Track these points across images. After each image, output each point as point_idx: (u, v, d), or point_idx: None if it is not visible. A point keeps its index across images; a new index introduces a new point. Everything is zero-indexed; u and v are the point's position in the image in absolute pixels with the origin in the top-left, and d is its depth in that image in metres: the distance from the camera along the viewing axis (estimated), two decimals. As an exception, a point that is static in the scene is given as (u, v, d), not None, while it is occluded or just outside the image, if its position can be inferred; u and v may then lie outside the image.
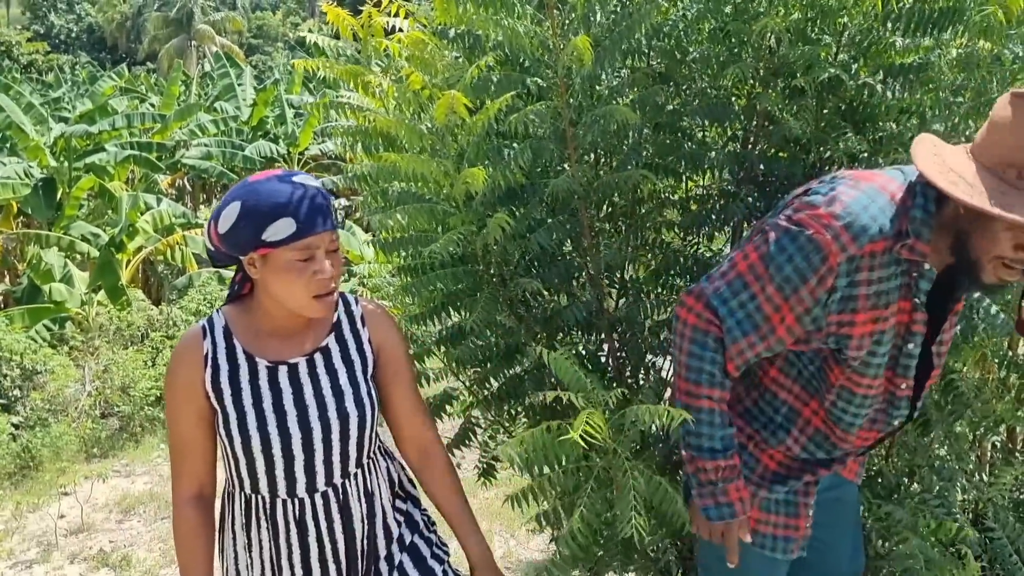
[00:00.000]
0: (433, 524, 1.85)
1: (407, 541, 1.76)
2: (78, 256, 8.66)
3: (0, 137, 9.77)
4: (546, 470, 1.68)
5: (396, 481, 1.80)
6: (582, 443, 1.47)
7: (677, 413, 1.48)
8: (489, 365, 2.19)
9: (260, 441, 1.58)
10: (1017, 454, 2.55)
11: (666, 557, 1.98)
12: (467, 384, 2.27)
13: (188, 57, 29.42)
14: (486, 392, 2.22)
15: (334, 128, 2.08)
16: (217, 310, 1.69)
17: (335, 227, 1.59)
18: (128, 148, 10.36)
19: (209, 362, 1.61)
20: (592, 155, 2.23)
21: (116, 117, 10.41)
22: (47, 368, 6.64)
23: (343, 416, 1.62)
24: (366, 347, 1.70)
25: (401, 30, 1.94)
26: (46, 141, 10.04)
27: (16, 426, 6.12)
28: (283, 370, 1.63)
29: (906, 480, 2.10)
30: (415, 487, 1.85)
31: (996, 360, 2.33)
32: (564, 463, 1.59)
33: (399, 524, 1.77)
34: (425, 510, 1.85)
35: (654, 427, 1.76)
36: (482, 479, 2.41)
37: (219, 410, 1.61)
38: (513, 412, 2.27)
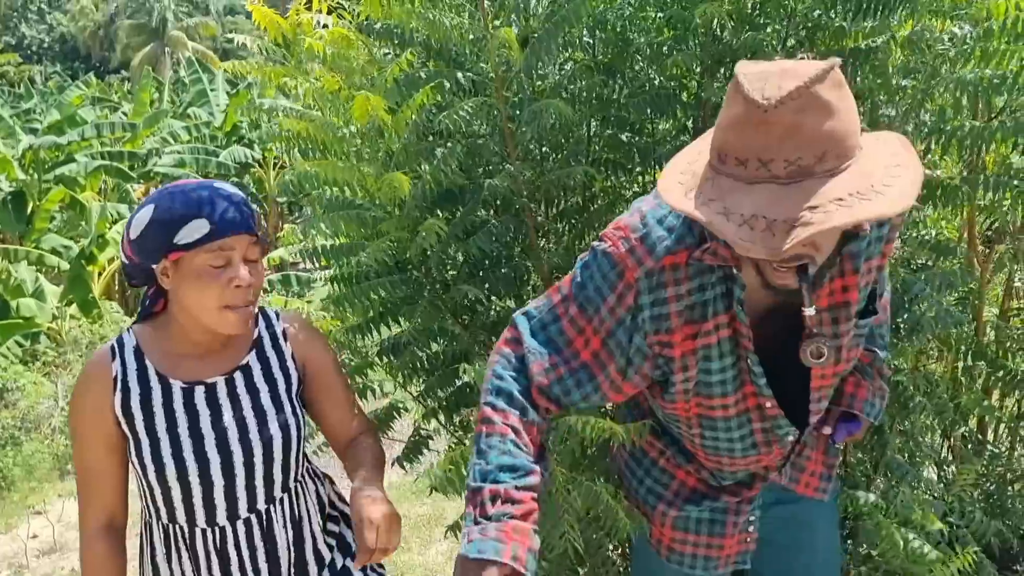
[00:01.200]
0: None
1: (339, 566, 1.68)
2: (50, 269, 8.52)
3: (-35, 151, 9.59)
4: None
5: (327, 503, 1.72)
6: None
7: (608, 426, 1.39)
8: (435, 375, 2.10)
9: (175, 468, 1.50)
10: (989, 445, 2.49)
11: (615, 568, 1.89)
12: (414, 395, 2.18)
13: (162, 64, 29.16)
14: (434, 403, 2.13)
15: (267, 133, 1.99)
16: (127, 329, 1.60)
17: (254, 232, 1.50)
18: (98, 158, 10.20)
19: (119, 385, 1.52)
20: (539, 152, 2.15)
21: (85, 127, 10.25)
22: (17, 386, 6.52)
23: (266, 438, 1.54)
24: (289, 364, 1.62)
25: (326, 27, 1.85)
26: (14, 154, 9.87)
27: (-10, 444, 6.00)
28: (200, 391, 1.54)
29: (865, 480, 2.02)
30: (347, 504, 1.77)
31: (961, 350, 2.28)
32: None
33: (331, 548, 1.69)
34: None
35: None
36: (399, 464, 2.23)
37: (131, 436, 1.52)
38: (465, 422, 2.18)
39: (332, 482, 1.78)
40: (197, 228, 1.44)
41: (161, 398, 1.52)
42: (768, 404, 1.45)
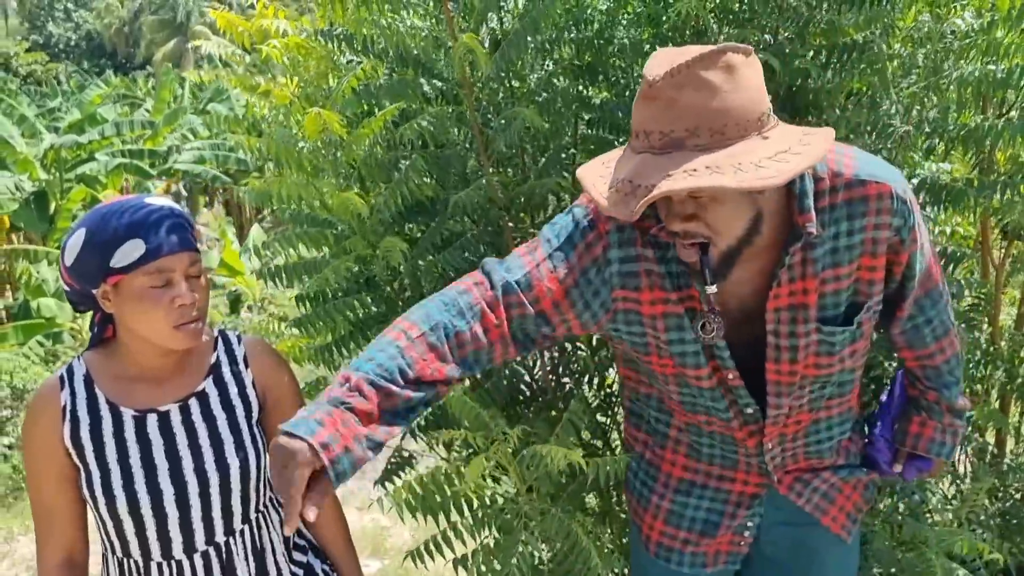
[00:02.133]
0: (334, 574, 1.69)
1: None
2: (71, 269, 8.59)
3: (-11, 152, 9.71)
4: (454, 515, 1.51)
5: (292, 533, 1.64)
6: (474, 490, 1.30)
7: (577, 458, 1.29)
8: (413, 393, 2.00)
9: (126, 501, 1.44)
10: (1006, 460, 2.35)
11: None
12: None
13: (186, 59, 29.32)
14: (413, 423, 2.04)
15: (236, 144, 1.91)
16: (78, 357, 1.54)
17: (193, 249, 1.44)
18: (119, 156, 10.27)
19: (67, 415, 1.45)
20: (520, 160, 2.05)
21: (105, 126, 10.32)
22: (36, 387, 6.57)
23: (223, 467, 1.48)
24: (249, 390, 1.55)
25: (286, 32, 1.76)
26: (36, 154, 9.97)
27: (8, 447, 6.06)
28: (152, 419, 1.48)
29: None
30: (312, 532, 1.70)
31: (975, 361, 2.14)
32: (466, 515, 1.42)
33: None
34: (327, 560, 1.69)
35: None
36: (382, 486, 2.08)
37: (81, 468, 1.46)
38: (448, 442, 2.09)
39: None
40: (132, 250, 1.38)
41: (112, 427, 1.46)
42: (731, 376, 1.45)
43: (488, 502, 1.51)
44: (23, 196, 9.11)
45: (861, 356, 1.50)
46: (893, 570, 1.91)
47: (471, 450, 2.03)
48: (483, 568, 1.43)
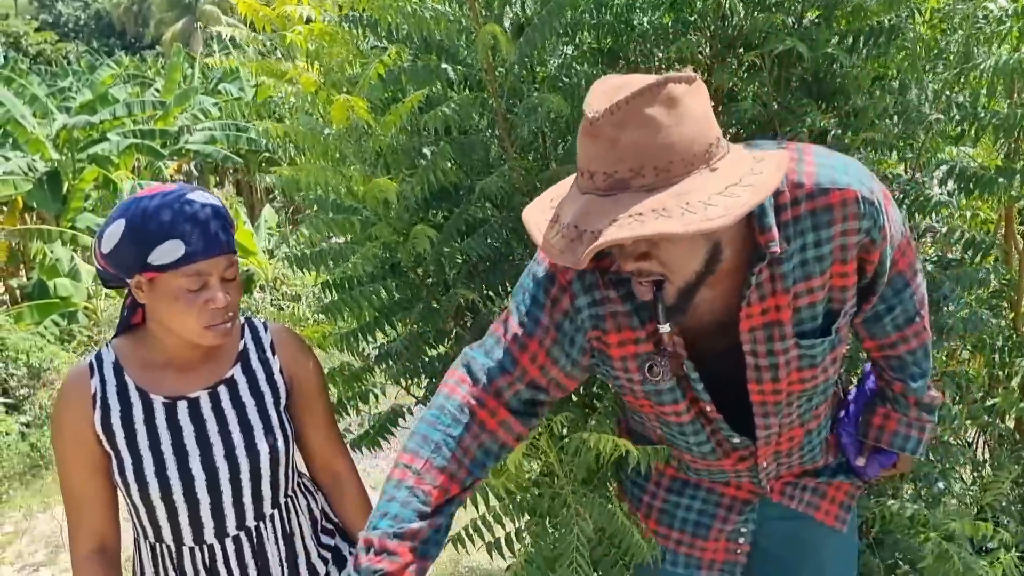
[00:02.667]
0: None
1: None
2: (85, 249, 8.63)
3: (1, 132, 9.72)
4: (492, 501, 1.52)
5: (319, 517, 1.67)
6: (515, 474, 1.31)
7: (623, 444, 1.30)
8: (438, 378, 2.01)
9: (159, 487, 1.45)
10: (1025, 445, 2.35)
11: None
12: (417, 399, 2.11)
13: (195, 39, 29.17)
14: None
15: (261, 131, 1.90)
16: (107, 343, 1.55)
17: (232, 251, 1.44)
18: (130, 136, 10.26)
19: (98, 402, 1.47)
20: (542, 145, 2.04)
21: (116, 106, 10.30)
22: (54, 366, 6.62)
23: (253, 453, 1.49)
24: (277, 377, 1.56)
25: (310, 20, 1.75)
26: (48, 134, 9.98)
27: (26, 425, 6.11)
28: (182, 406, 1.49)
29: (891, 487, 1.91)
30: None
31: (996, 347, 2.13)
32: (506, 496, 1.43)
33: (325, 562, 1.65)
34: (354, 544, 1.71)
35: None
36: None
37: (113, 455, 1.47)
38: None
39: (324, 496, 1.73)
40: (172, 250, 1.38)
41: (142, 414, 1.48)
42: (708, 408, 1.42)
43: (525, 486, 1.52)
44: (36, 176, 9.12)
45: (842, 359, 1.47)
46: (911, 557, 1.91)
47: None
48: (531, 550, 1.43)
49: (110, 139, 10.00)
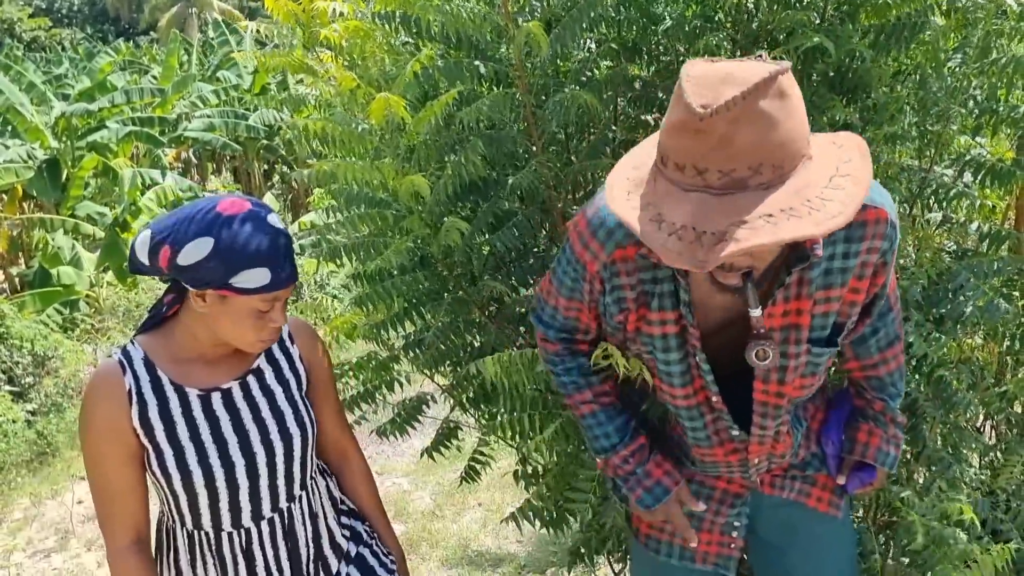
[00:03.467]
0: (374, 534, 1.80)
1: (353, 554, 1.72)
2: (86, 236, 8.63)
3: (1, 120, 9.69)
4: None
5: (338, 498, 1.75)
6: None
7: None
8: (464, 368, 2.06)
9: (203, 475, 1.50)
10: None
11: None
12: (442, 388, 2.15)
13: (190, 25, 28.97)
14: (462, 396, 2.10)
15: (287, 126, 1.92)
16: (132, 340, 1.58)
17: (297, 278, 1.50)
18: (129, 124, 10.24)
19: (134, 398, 1.50)
20: (564, 137, 2.07)
21: (115, 93, 10.26)
22: (58, 354, 6.64)
23: (286, 437, 1.57)
24: (298, 364, 1.65)
25: (342, 15, 1.78)
26: (47, 121, 9.95)
27: (32, 413, 6.14)
28: (216, 397, 1.55)
29: (906, 471, 1.96)
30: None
31: (1008, 334, 2.18)
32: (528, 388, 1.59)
33: (347, 539, 1.73)
34: (366, 521, 1.80)
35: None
36: (428, 456, 2.27)
37: (151, 448, 1.51)
38: (492, 414, 2.15)
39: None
40: (258, 277, 1.43)
41: (179, 407, 1.52)
42: (715, 398, 1.47)
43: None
44: (35, 164, 9.11)
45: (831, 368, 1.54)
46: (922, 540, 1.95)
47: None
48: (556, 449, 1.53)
49: (109, 127, 9.97)
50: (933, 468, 1.95)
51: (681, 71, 1.12)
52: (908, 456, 2.03)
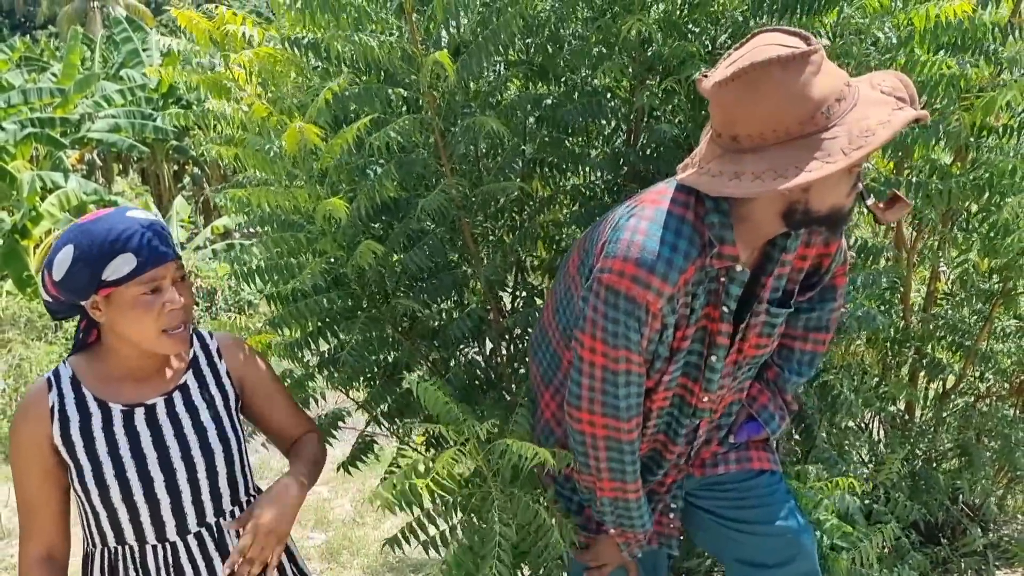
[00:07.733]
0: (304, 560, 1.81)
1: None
2: (-18, 244, 8.24)
3: None
4: (427, 502, 1.63)
5: None
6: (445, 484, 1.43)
7: (542, 453, 1.43)
8: (378, 384, 2.11)
9: (119, 489, 1.52)
10: (915, 426, 2.60)
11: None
12: (358, 404, 2.19)
13: (91, 20, 27.80)
14: (377, 411, 2.15)
15: (201, 144, 1.94)
16: (64, 361, 1.60)
17: (178, 256, 1.52)
18: (28, 125, 9.81)
19: (56, 415, 1.53)
20: (474, 157, 2.14)
21: (12, 93, 9.83)
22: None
23: (207, 453, 1.58)
24: (225, 381, 1.66)
25: (251, 39, 1.80)
26: (-62, 123, 9.44)
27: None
28: (139, 413, 1.56)
29: (795, 469, 2.10)
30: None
31: (888, 339, 2.36)
32: (438, 500, 1.55)
33: (290, 559, 1.73)
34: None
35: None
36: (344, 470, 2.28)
37: (72, 464, 1.53)
38: (408, 429, 2.20)
39: None
40: (125, 263, 1.45)
41: (101, 423, 1.54)
42: (706, 399, 1.59)
43: (458, 487, 1.63)
44: (-75, 169, 8.65)
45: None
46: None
47: (431, 435, 2.15)
48: (463, 544, 1.55)
49: (5, 128, 9.54)
50: (819, 465, 2.10)
51: (761, 57, 1.31)
52: (799, 455, 2.18)
